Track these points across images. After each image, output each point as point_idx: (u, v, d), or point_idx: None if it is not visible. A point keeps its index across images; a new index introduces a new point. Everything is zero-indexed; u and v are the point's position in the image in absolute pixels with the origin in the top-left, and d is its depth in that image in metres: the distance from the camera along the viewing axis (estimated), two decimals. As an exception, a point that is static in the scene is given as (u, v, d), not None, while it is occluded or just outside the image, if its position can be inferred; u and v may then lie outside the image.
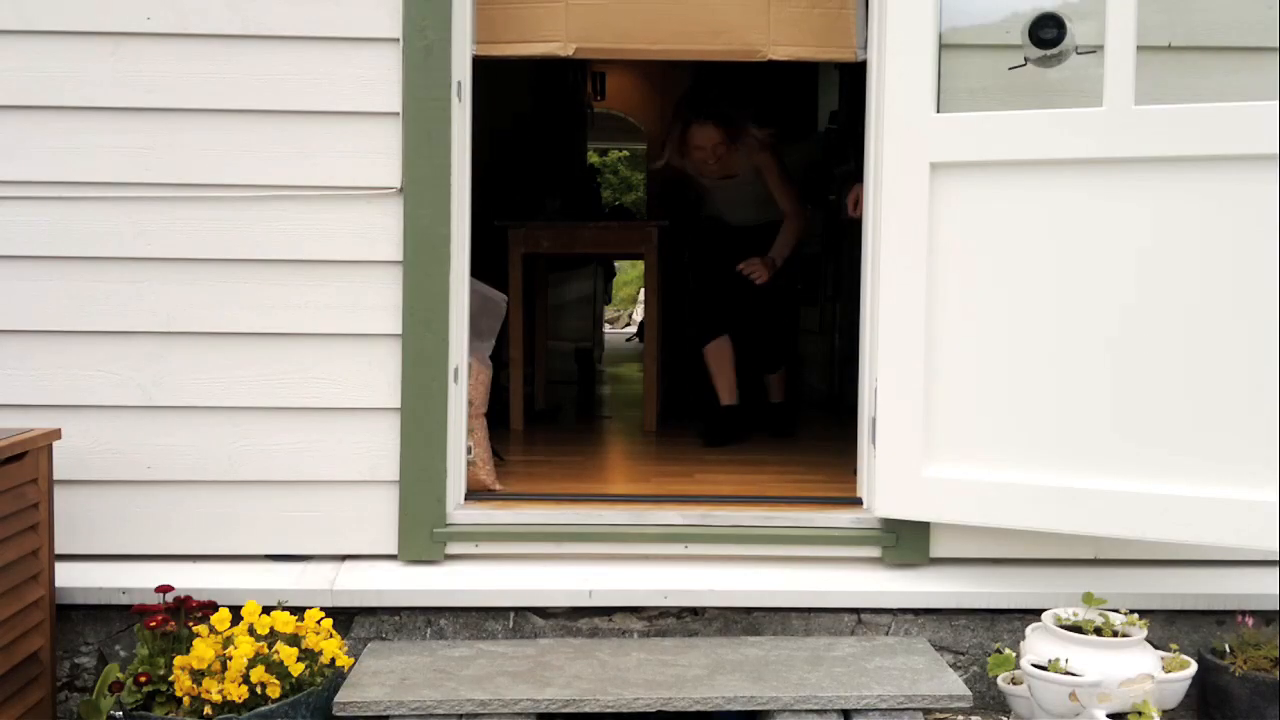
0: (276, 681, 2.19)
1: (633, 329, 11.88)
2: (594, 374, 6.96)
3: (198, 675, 2.17)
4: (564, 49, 2.84)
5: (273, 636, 2.28)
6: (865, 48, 2.79)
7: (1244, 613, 2.62)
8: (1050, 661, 2.31)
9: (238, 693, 2.15)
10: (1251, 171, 2.32)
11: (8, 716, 2.31)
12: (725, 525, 2.74)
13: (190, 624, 2.34)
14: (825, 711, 2.30)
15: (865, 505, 2.79)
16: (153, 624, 2.30)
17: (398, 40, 2.63)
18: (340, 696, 2.28)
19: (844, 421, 3.27)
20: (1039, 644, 2.38)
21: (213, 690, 2.15)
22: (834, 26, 2.85)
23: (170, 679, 2.20)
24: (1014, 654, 2.46)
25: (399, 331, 2.66)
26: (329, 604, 2.57)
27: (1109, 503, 2.44)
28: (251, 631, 2.29)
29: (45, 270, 2.64)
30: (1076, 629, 2.38)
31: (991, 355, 2.53)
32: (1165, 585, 2.68)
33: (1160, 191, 2.39)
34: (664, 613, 2.68)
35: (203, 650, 2.18)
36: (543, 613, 2.67)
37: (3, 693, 2.30)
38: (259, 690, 2.17)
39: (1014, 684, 2.46)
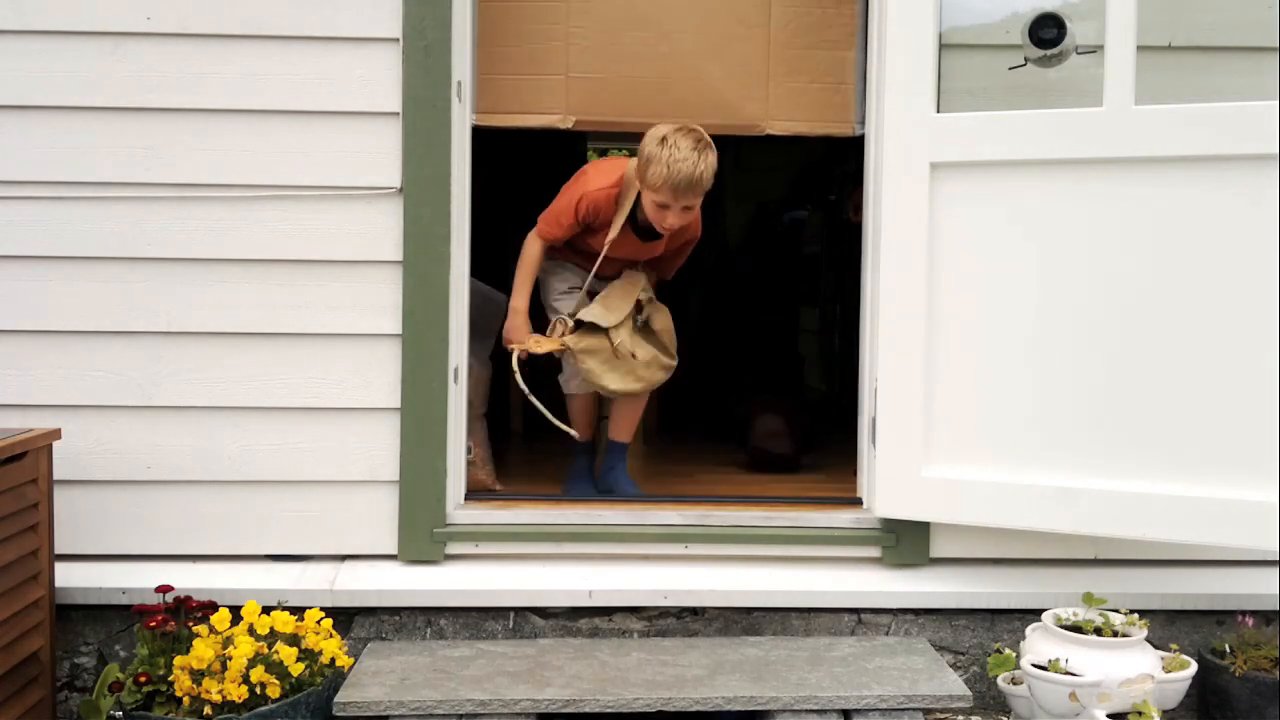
0: (276, 681, 2.19)
1: (633, 329, 11.86)
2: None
3: (198, 675, 2.17)
4: (564, 121, 2.90)
5: (273, 636, 2.28)
6: (863, 122, 2.84)
7: (1244, 613, 2.62)
8: (1050, 661, 2.31)
9: (238, 693, 2.15)
10: (1252, 171, 2.32)
11: (8, 716, 2.31)
12: (725, 525, 2.74)
13: (190, 624, 2.34)
14: (825, 711, 2.30)
15: (865, 505, 2.79)
16: (153, 624, 2.30)
17: (398, 40, 2.63)
18: (340, 696, 2.28)
19: (844, 421, 3.27)
20: (1039, 644, 2.39)
21: (213, 690, 2.15)
22: (832, 102, 2.90)
23: (170, 679, 2.20)
24: (1014, 654, 2.47)
25: (399, 331, 2.66)
26: (329, 604, 2.57)
27: (1109, 503, 2.44)
28: (251, 631, 2.29)
29: (45, 270, 2.64)
30: (1076, 629, 2.38)
31: (991, 355, 2.53)
32: (1165, 585, 2.68)
33: (1160, 191, 2.39)
34: (664, 613, 2.68)
35: (203, 650, 2.18)
36: (543, 613, 2.67)
37: (3, 693, 2.30)
38: (259, 690, 2.17)
39: (1014, 684, 2.46)
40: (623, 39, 2.88)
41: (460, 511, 2.75)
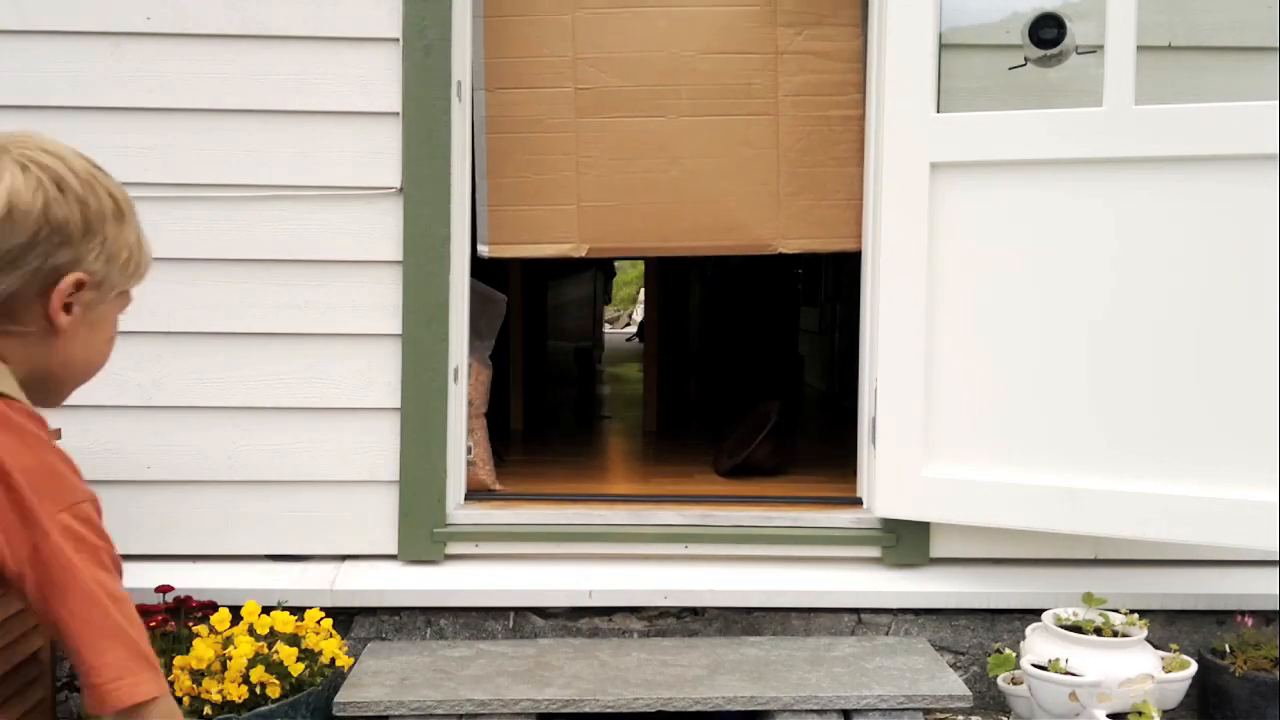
0: (276, 681, 2.19)
1: (633, 329, 11.88)
2: (594, 374, 6.97)
3: (198, 675, 2.17)
4: (577, 250, 2.91)
5: (273, 636, 2.28)
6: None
7: (1244, 613, 2.62)
8: (1050, 661, 2.31)
9: (238, 693, 2.15)
10: (1251, 171, 2.32)
11: (8, 716, 2.31)
12: (725, 525, 2.74)
13: (190, 624, 2.34)
14: (825, 711, 2.30)
15: (865, 505, 2.79)
16: (153, 624, 2.30)
17: (398, 40, 2.63)
18: (340, 696, 2.28)
19: (844, 421, 3.27)
20: (1039, 644, 2.39)
21: (213, 690, 2.15)
22: (840, 218, 2.91)
23: (170, 679, 2.20)
24: (1014, 654, 2.46)
25: (399, 331, 2.66)
26: (329, 604, 2.57)
27: (1109, 503, 2.44)
28: (251, 631, 2.29)
29: (45, 270, 2.63)
30: (1076, 629, 2.38)
31: (992, 355, 2.53)
32: (1165, 585, 2.68)
33: (1160, 191, 2.39)
34: (664, 613, 2.68)
35: (202, 650, 2.18)
36: (543, 613, 2.67)
37: (3, 693, 2.30)
38: (259, 690, 2.17)
39: (1014, 684, 2.46)
40: (633, 166, 2.88)
41: (460, 511, 2.75)
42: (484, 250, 2.83)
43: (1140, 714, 2.24)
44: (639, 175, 2.88)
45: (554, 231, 2.90)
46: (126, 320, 2.84)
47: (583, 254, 2.90)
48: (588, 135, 2.87)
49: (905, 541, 2.71)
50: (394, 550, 2.70)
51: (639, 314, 12.27)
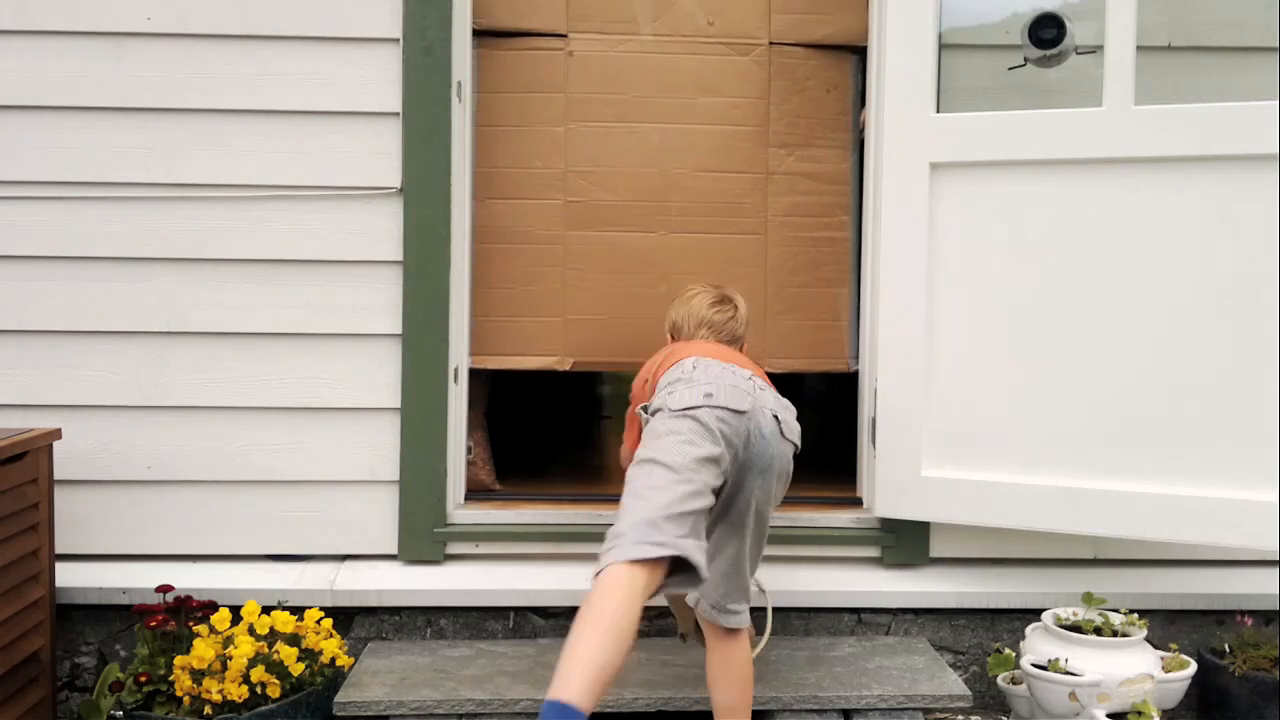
0: (276, 681, 2.19)
1: (633, 329, 11.89)
2: (595, 373, 6.95)
3: (198, 675, 2.18)
4: (561, 364, 2.92)
5: (273, 636, 2.28)
6: (856, 358, 2.86)
7: (1244, 613, 2.62)
8: (1050, 661, 2.31)
9: (238, 692, 2.15)
10: (1251, 171, 2.32)
11: (8, 716, 2.31)
12: (725, 525, 2.74)
13: (190, 624, 2.34)
14: (825, 711, 2.30)
15: (865, 505, 2.79)
16: (153, 624, 2.30)
17: (398, 40, 2.63)
18: (340, 696, 2.28)
19: (843, 420, 3.27)
20: (1039, 644, 2.39)
21: (213, 690, 2.15)
22: (827, 339, 2.93)
23: (170, 679, 2.20)
24: (1014, 654, 2.47)
25: (399, 331, 2.66)
26: (329, 604, 2.57)
27: (1109, 503, 2.44)
28: (251, 631, 2.29)
29: (45, 270, 2.64)
30: (1076, 629, 2.38)
31: (991, 355, 2.53)
32: (1165, 585, 2.68)
33: (1159, 192, 2.39)
34: (664, 613, 2.67)
35: (203, 650, 2.18)
36: (543, 613, 2.67)
37: (3, 693, 2.30)
38: (259, 690, 2.17)
39: (1014, 684, 2.46)
40: (621, 280, 2.89)
41: (460, 511, 2.75)
42: (470, 362, 2.83)
43: (1140, 714, 2.25)
44: (626, 289, 2.90)
45: (539, 344, 2.91)
46: (127, 320, 2.86)
47: (567, 367, 2.91)
48: (576, 248, 2.89)
49: (905, 541, 2.71)
50: (394, 550, 2.70)
51: (639, 314, 12.27)
